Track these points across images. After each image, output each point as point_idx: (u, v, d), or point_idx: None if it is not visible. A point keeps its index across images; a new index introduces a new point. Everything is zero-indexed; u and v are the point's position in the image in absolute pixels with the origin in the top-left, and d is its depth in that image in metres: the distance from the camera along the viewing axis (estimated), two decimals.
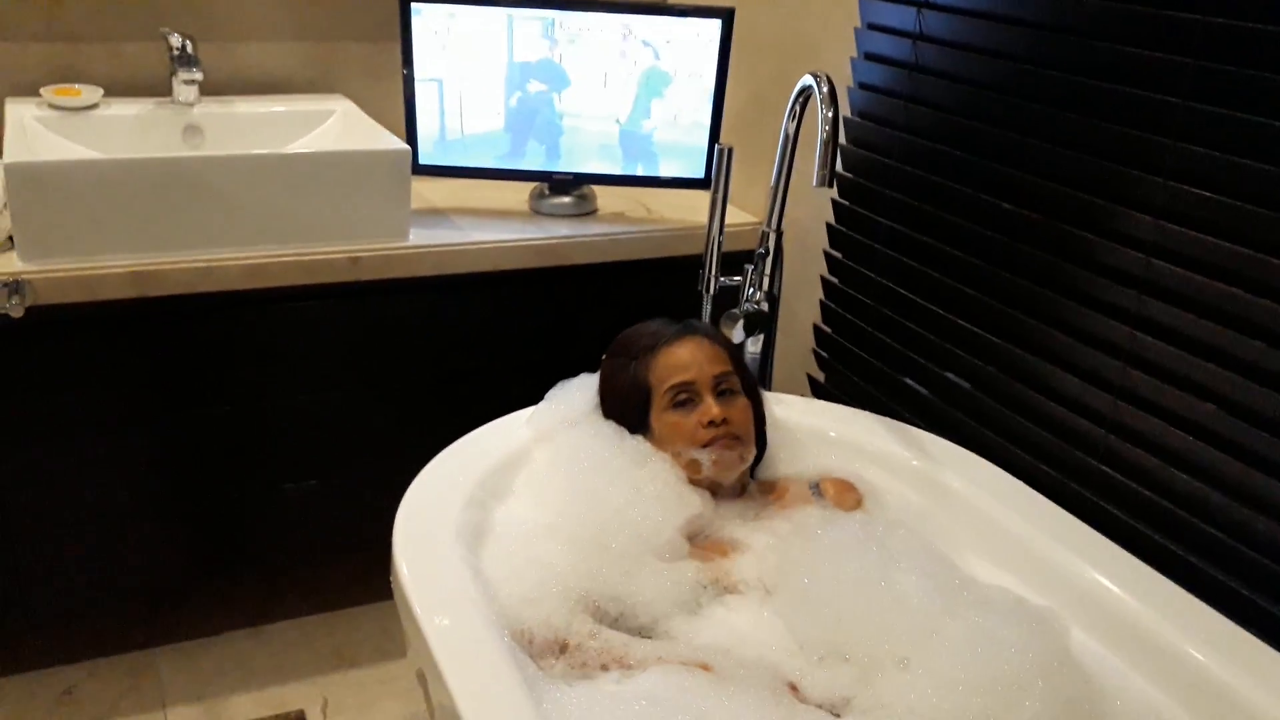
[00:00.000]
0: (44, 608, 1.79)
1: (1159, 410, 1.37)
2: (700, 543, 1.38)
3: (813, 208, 1.92)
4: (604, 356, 1.51)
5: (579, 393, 1.53)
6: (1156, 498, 1.38)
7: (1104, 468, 1.44)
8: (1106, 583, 1.28)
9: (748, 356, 1.67)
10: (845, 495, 1.47)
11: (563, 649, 1.21)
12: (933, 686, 1.11)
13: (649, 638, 1.25)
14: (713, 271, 1.68)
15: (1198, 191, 1.29)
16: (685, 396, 1.40)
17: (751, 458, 1.44)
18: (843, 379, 1.90)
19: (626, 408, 1.44)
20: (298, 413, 1.83)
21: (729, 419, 1.39)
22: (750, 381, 1.49)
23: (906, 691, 1.12)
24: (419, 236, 1.82)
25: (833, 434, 1.56)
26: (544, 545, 1.32)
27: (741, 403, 1.42)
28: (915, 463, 1.50)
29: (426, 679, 1.15)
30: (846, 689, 1.16)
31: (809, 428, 1.56)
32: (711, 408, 1.39)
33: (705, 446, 1.39)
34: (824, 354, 1.95)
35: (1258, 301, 1.24)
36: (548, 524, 1.35)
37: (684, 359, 1.42)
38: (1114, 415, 1.42)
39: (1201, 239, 1.29)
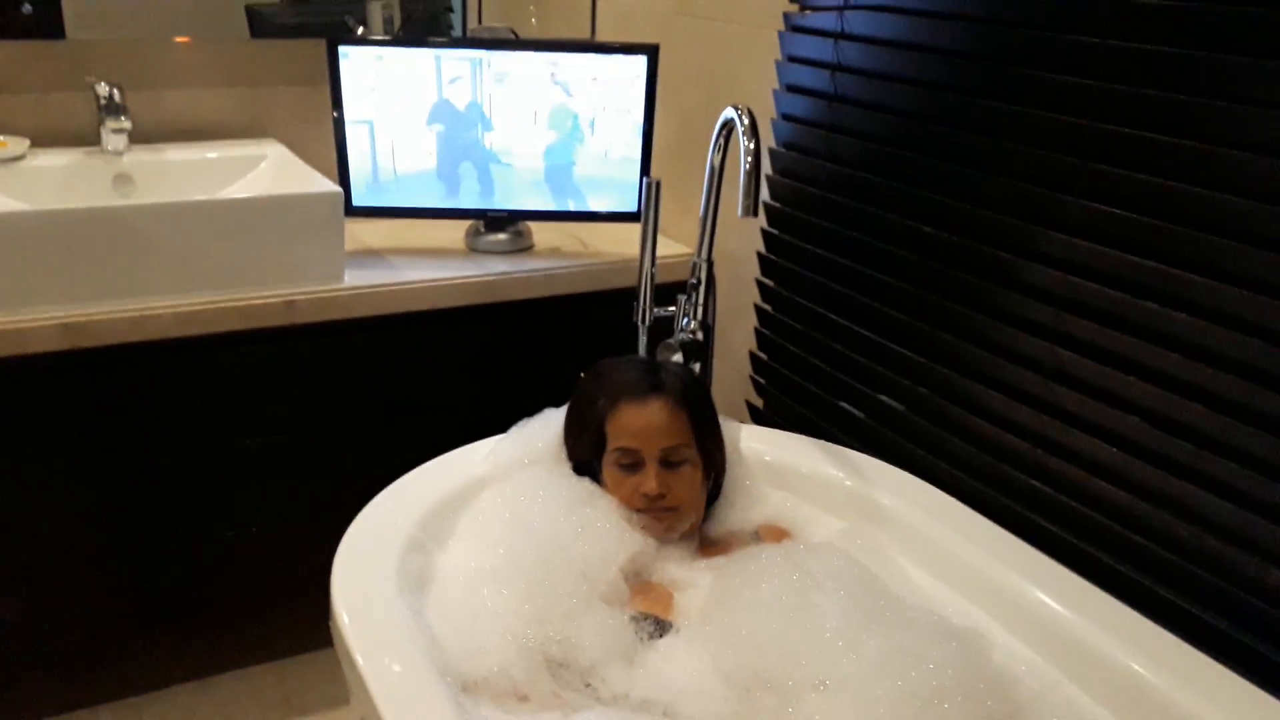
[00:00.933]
0: None
1: (1083, 423, 1.40)
2: (638, 582, 1.38)
3: (744, 237, 1.96)
4: (582, 374, 1.50)
5: (538, 431, 1.54)
6: (1084, 509, 1.41)
7: (1033, 481, 1.47)
8: (1039, 594, 1.30)
9: None
10: (780, 538, 1.48)
11: (522, 699, 1.21)
12: (852, 705, 1.13)
13: (588, 683, 1.25)
14: (646, 303, 1.70)
15: (1109, 209, 1.34)
16: (630, 461, 1.39)
17: (684, 527, 1.42)
18: (781, 405, 1.93)
19: (582, 439, 1.44)
20: (237, 459, 1.82)
21: (666, 493, 1.38)
22: (712, 447, 1.46)
23: (827, 713, 1.13)
24: (355, 278, 1.82)
25: (768, 458, 1.59)
26: (488, 589, 1.32)
27: (687, 472, 1.40)
28: (848, 483, 1.53)
29: None
30: (770, 717, 1.17)
31: (745, 452, 1.58)
32: (649, 480, 1.37)
33: (639, 512, 1.39)
34: (761, 380, 1.97)
35: (1171, 314, 1.28)
36: (491, 566, 1.35)
37: (638, 424, 1.39)
38: (1039, 429, 1.46)
39: (1114, 254, 1.34)
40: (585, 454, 1.44)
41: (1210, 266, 1.25)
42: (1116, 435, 1.37)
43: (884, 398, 1.70)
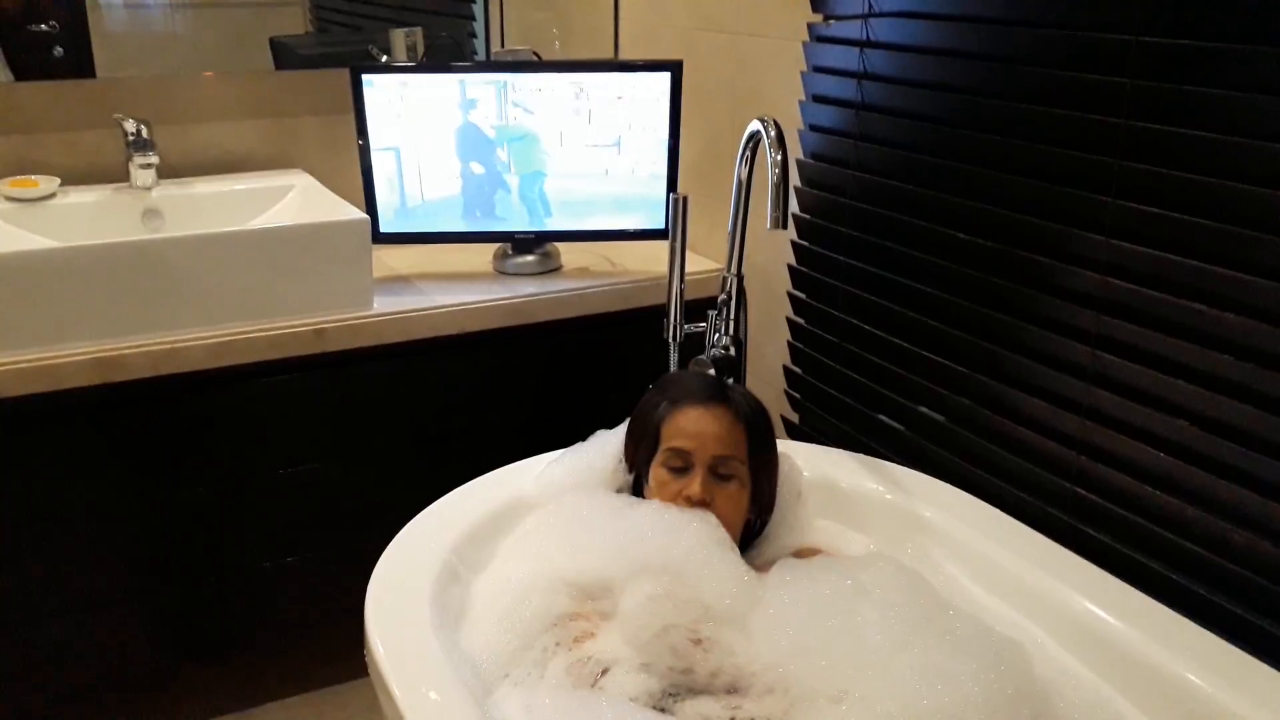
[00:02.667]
0: (17, 703, 1.76)
1: (1126, 428, 1.37)
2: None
3: (774, 250, 1.94)
4: (650, 386, 1.49)
5: (589, 453, 1.52)
6: (1130, 515, 1.37)
7: (1076, 489, 1.44)
8: (1086, 603, 1.26)
9: None
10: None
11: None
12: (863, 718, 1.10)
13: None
14: (676, 319, 1.68)
15: (1145, 208, 1.31)
16: (680, 464, 1.37)
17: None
18: (816, 418, 1.90)
19: (640, 443, 1.43)
20: (272, 489, 1.82)
21: (709, 501, 1.36)
22: (763, 465, 1.43)
23: None
24: (384, 304, 1.82)
25: (807, 474, 1.56)
26: (534, 599, 1.31)
27: (733, 489, 1.38)
28: (889, 496, 1.50)
29: None
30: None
31: (782, 478, 1.55)
32: (694, 485, 1.35)
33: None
34: (796, 395, 1.95)
35: (1214, 313, 1.25)
36: (535, 579, 1.34)
37: (694, 427, 1.37)
38: (1082, 435, 1.42)
39: (1152, 254, 1.30)
40: (640, 457, 1.43)
41: (1251, 263, 1.21)
42: (1161, 439, 1.33)
43: (922, 408, 1.67)
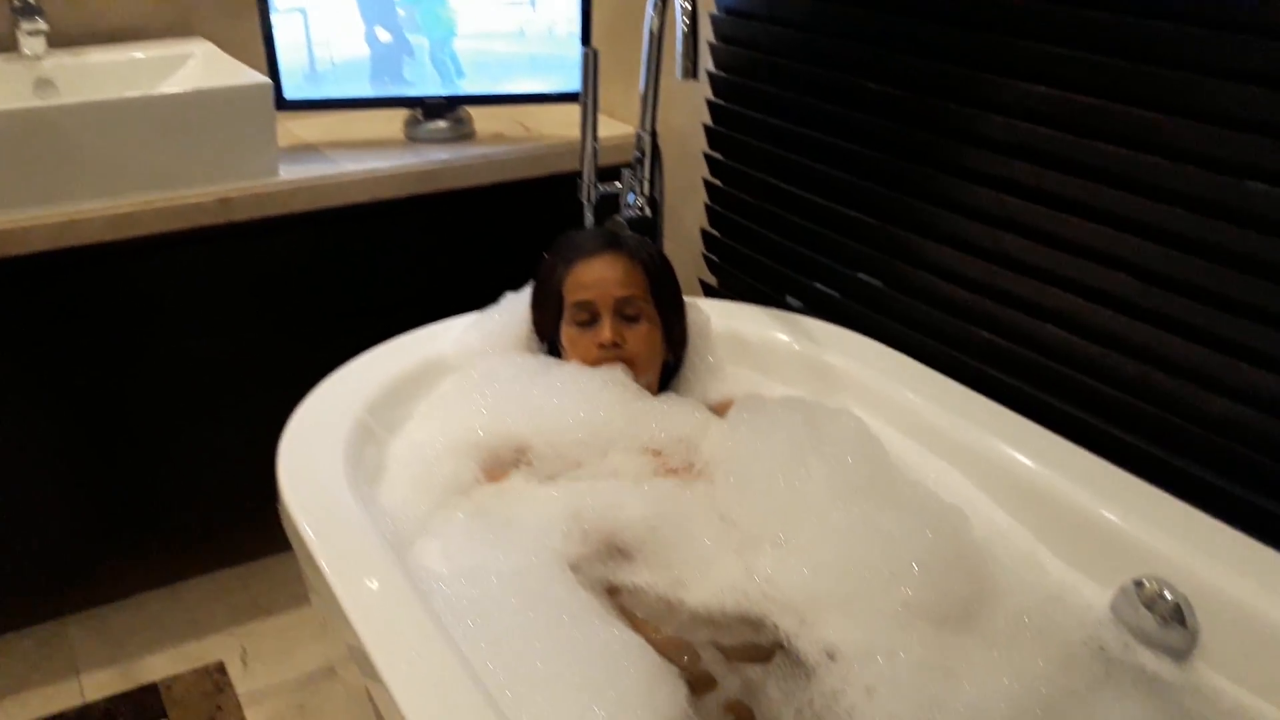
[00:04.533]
0: None
1: (1033, 270, 1.39)
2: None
3: (689, 111, 1.92)
4: (545, 255, 1.49)
5: (499, 317, 1.52)
6: (1034, 355, 1.41)
7: (984, 333, 1.47)
8: (1000, 445, 1.30)
9: None
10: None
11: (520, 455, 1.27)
12: (807, 564, 1.13)
13: None
14: (591, 179, 1.66)
15: (1053, 48, 1.31)
16: (586, 316, 1.39)
17: (643, 383, 1.41)
18: (735, 280, 1.91)
19: (544, 311, 1.45)
20: (186, 364, 1.79)
21: (621, 342, 1.38)
22: (671, 310, 1.46)
23: (780, 566, 1.14)
24: (291, 172, 1.78)
25: (717, 327, 1.57)
26: (450, 463, 1.32)
27: (643, 329, 1.40)
28: (797, 347, 1.52)
29: (328, 621, 1.13)
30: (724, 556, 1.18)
31: (693, 324, 1.56)
32: (604, 331, 1.38)
33: (596, 365, 1.38)
34: (714, 257, 1.95)
35: (1113, 150, 1.27)
36: (452, 442, 1.35)
37: (592, 277, 1.39)
38: (990, 280, 1.45)
39: (1056, 94, 1.31)
40: (548, 325, 1.44)
41: (1151, 101, 1.23)
42: (1063, 278, 1.36)
43: (838, 265, 1.68)
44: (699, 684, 1.05)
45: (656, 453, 1.33)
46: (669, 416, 1.36)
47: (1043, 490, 1.24)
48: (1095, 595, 1.15)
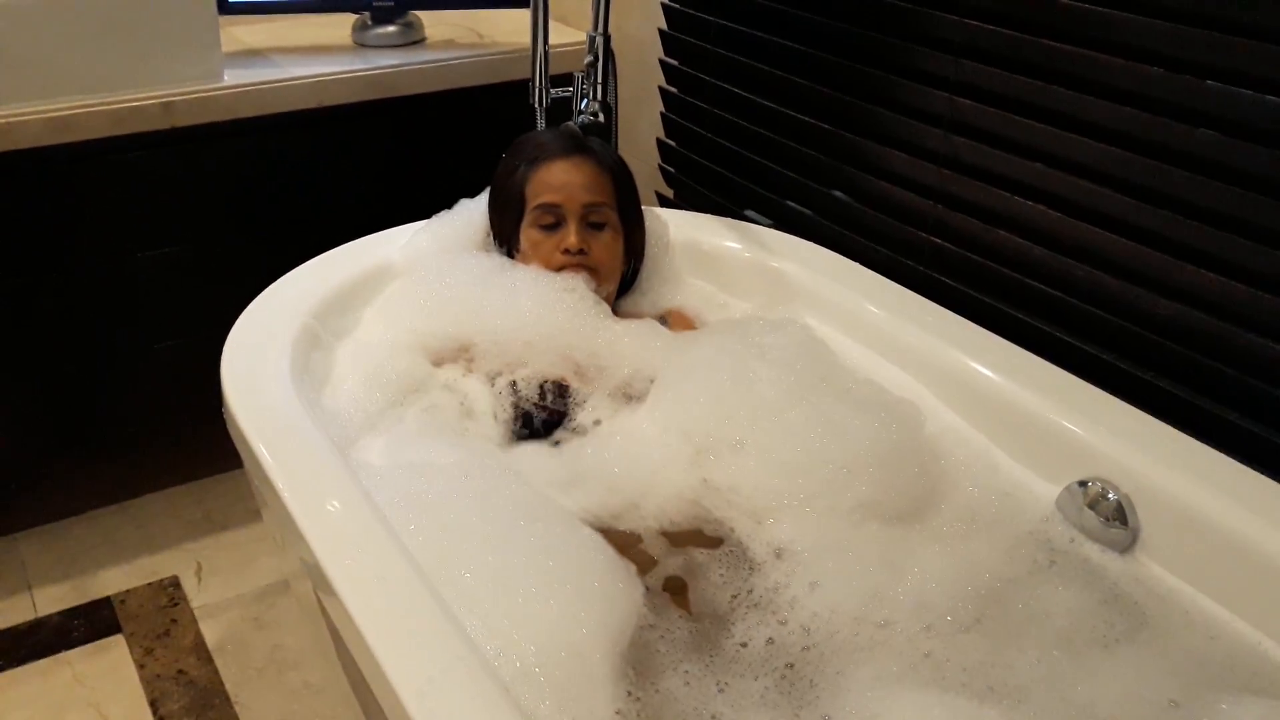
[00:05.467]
0: None
1: (983, 174, 1.38)
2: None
3: (645, 16, 1.88)
4: (503, 155, 1.46)
5: (454, 221, 1.50)
6: (984, 260, 1.41)
7: (934, 239, 1.46)
8: (952, 350, 1.30)
9: None
10: (688, 327, 1.47)
11: (462, 352, 1.27)
12: (758, 465, 1.13)
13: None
14: (542, 81, 1.63)
15: None
16: (551, 220, 1.37)
17: (604, 293, 1.40)
18: (692, 193, 1.89)
19: (504, 213, 1.42)
20: (133, 272, 1.75)
21: (587, 250, 1.36)
22: (633, 218, 1.44)
23: (733, 470, 1.14)
24: (235, 77, 1.72)
25: (674, 236, 1.56)
26: (401, 359, 1.31)
27: (608, 237, 1.39)
28: (748, 254, 1.51)
29: (279, 532, 1.12)
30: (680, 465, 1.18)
31: (651, 233, 1.55)
32: (570, 236, 1.35)
33: (559, 270, 1.37)
34: (670, 169, 1.93)
35: (1066, 49, 1.25)
36: (402, 342, 1.33)
37: (559, 180, 1.36)
38: (940, 185, 1.44)
39: None
40: (507, 228, 1.41)
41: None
42: (1014, 181, 1.35)
43: (795, 175, 1.66)
44: (641, 564, 1.06)
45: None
46: (626, 339, 1.35)
47: (995, 395, 1.24)
48: (1044, 492, 1.16)
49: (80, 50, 1.60)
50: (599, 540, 1.03)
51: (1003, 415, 1.23)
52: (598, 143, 1.45)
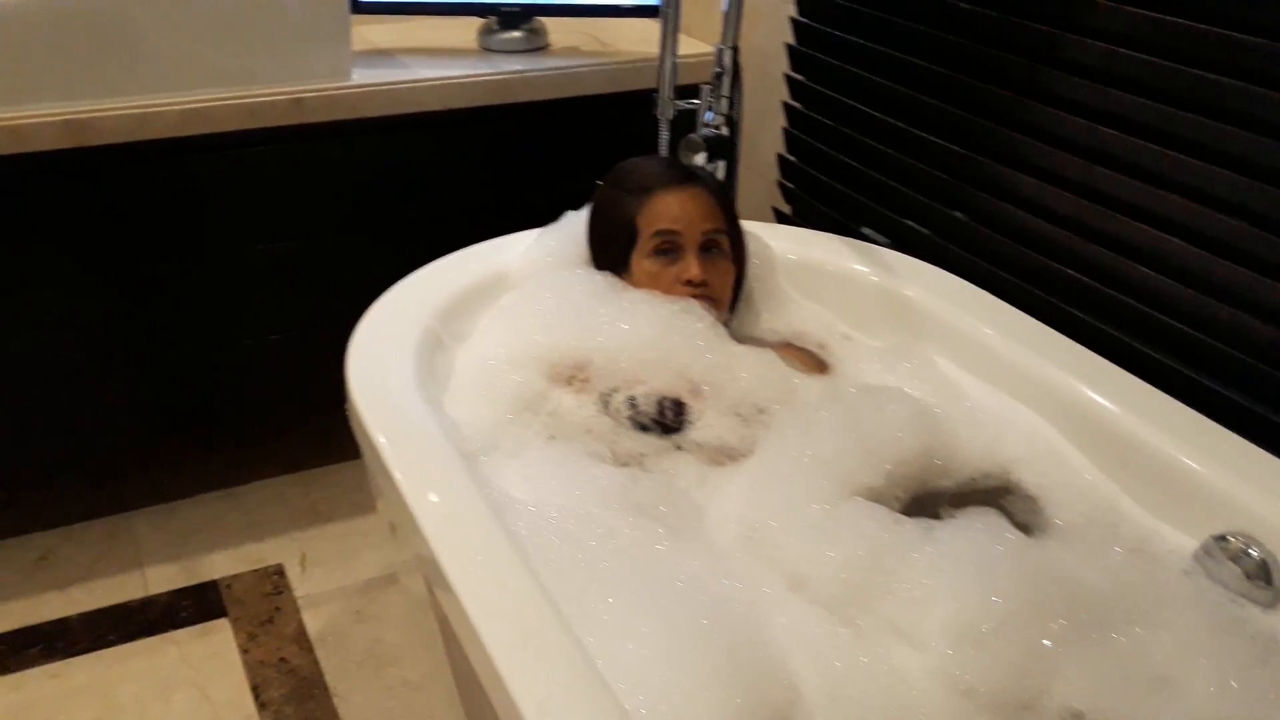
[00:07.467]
0: (12, 473, 1.78)
1: (1124, 206, 1.34)
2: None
3: (772, 30, 1.86)
4: (599, 182, 1.46)
5: (559, 235, 1.50)
6: (1117, 294, 1.36)
7: (1068, 270, 1.41)
8: (1076, 384, 1.26)
9: None
10: (804, 363, 1.44)
11: (578, 370, 1.27)
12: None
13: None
14: (668, 93, 1.62)
15: None
16: (668, 246, 1.35)
17: (721, 319, 1.38)
18: (810, 209, 1.86)
19: (610, 242, 1.40)
20: (251, 265, 1.79)
21: (708, 281, 1.35)
22: (739, 243, 1.43)
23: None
24: (363, 76, 1.75)
25: (793, 256, 1.53)
26: (518, 375, 1.31)
27: (724, 265, 1.38)
28: (875, 279, 1.48)
29: (397, 528, 1.13)
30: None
31: (773, 252, 1.53)
32: (692, 265, 1.34)
33: None
34: (790, 185, 1.90)
35: (1222, 82, 1.20)
36: (519, 357, 1.33)
37: (676, 209, 1.35)
38: (1078, 215, 1.39)
39: (1169, 21, 1.24)
40: (613, 256, 1.40)
41: (1270, 29, 1.16)
42: (1159, 217, 1.30)
43: (919, 196, 1.63)
44: None
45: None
46: (743, 363, 1.33)
47: (1126, 436, 1.19)
48: (1179, 544, 1.11)
49: (217, 45, 1.63)
50: (715, 593, 1.02)
51: (1136, 460, 1.18)
52: (702, 169, 1.45)
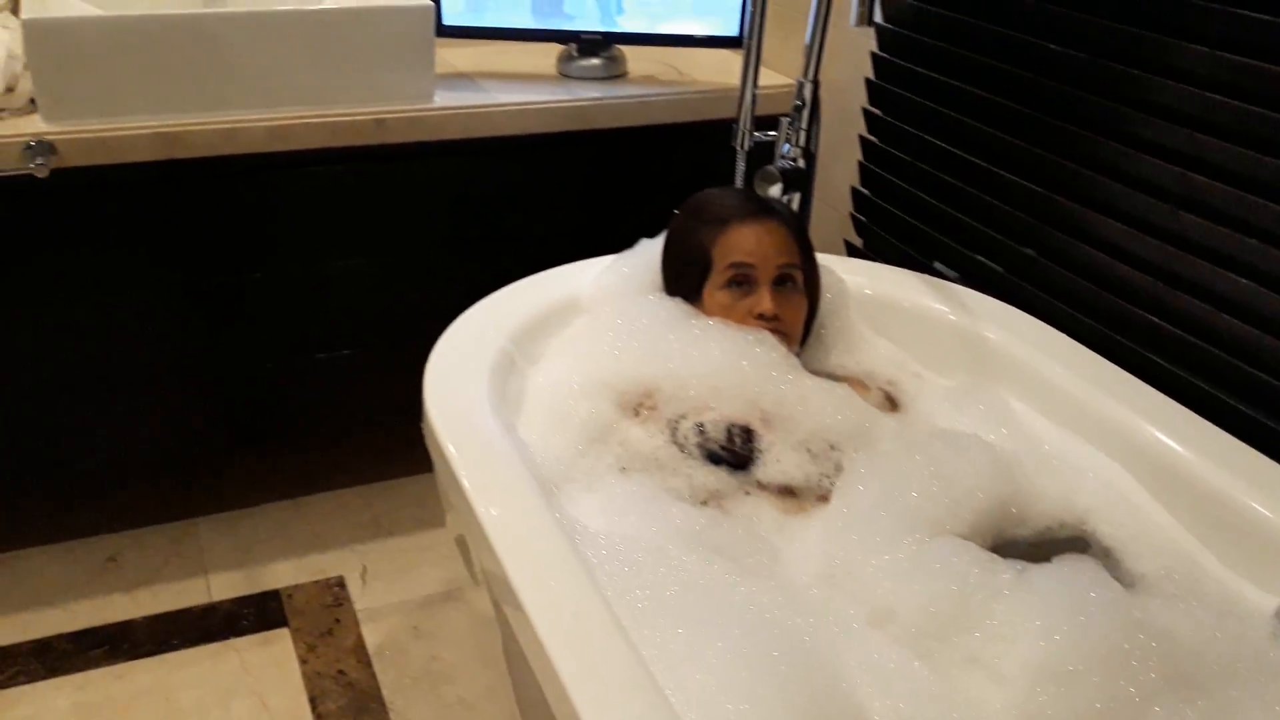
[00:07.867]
0: (84, 474, 1.81)
1: (1211, 254, 1.31)
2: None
3: (851, 64, 1.86)
4: (675, 211, 1.46)
5: (634, 262, 1.50)
6: (1203, 344, 1.33)
7: (1152, 317, 1.39)
8: (1155, 431, 1.24)
9: None
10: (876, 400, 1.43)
11: (646, 397, 1.28)
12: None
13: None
14: (747, 125, 1.62)
15: (1254, 14, 1.22)
16: (742, 279, 1.35)
17: (792, 352, 1.38)
18: (882, 243, 1.86)
19: (684, 271, 1.40)
20: (327, 279, 1.81)
21: (781, 316, 1.35)
22: (813, 277, 1.43)
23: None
24: (445, 99, 1.78)
25: (868, 291, 1.53)
26: (590, 402, 1.31)
27: (797, 299, 1.38)
28: (952, 317, 1.46)
29: (467, 543, 1.14)
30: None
31: (846, 286, 1.52)
32: (765, 299, 1.34)
33: None
34: (862, 218, 1.90)
35: None
36: (592, 381, 1.34)
37: (752, 242, 1.35)
38: (1163, 261, 1.37)
39: (1256, 66, 1.23)
40: (687, 285, 1.40)
41: None
42: (1245, 265, 1.28)
43: (995, 234, 1.62)
44: None
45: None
46: (816, 395, 1.32)
47: (1208, 488, 1.17)
48: (1260, 602, 1.08)
49: (304, 65, 1.67)
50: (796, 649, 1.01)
51: (1217, 513, 1.16)
52: (779, 203, 1.45)
